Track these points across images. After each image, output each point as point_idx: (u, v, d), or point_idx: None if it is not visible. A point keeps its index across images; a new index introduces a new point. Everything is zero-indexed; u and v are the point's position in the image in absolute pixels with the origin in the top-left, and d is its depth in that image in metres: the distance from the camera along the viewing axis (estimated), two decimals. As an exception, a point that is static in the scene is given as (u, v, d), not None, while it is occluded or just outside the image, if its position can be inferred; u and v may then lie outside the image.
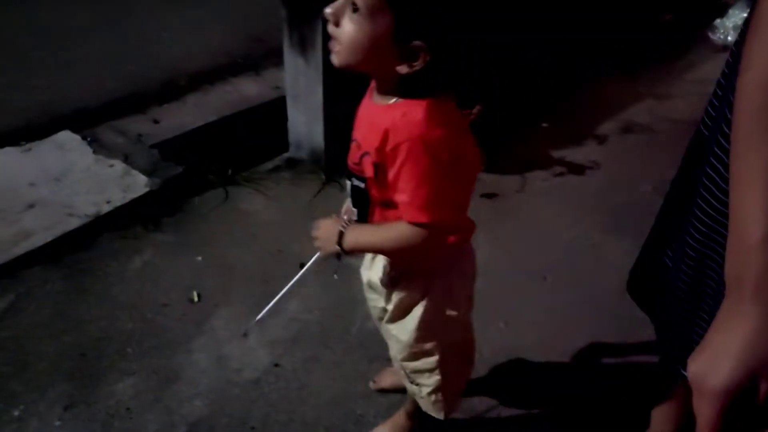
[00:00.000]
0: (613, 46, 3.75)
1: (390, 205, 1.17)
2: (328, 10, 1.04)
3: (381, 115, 1.09)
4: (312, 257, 1.39)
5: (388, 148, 1.06)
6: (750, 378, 0.68)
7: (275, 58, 3.28)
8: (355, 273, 1.49)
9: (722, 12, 4.01)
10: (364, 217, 1.25)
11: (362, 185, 1.20)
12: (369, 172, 1.13)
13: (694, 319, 1.04)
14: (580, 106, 3.40)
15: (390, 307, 1.36)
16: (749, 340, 0.68)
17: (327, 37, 1.09)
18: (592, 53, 3.63)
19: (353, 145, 1.19)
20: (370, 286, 1.42)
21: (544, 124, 3.20)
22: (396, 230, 1.15)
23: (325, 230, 1.26)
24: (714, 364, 0.71)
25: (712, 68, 3.68)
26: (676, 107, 3.38)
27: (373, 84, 1.16)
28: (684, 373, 1.12)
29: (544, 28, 3.13)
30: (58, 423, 1.73)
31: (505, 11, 2.28)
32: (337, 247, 1.22)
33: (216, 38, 3.67)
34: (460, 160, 1.10)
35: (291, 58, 2.63)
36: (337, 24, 1.04)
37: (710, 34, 4.01)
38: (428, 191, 1.07)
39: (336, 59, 1.07)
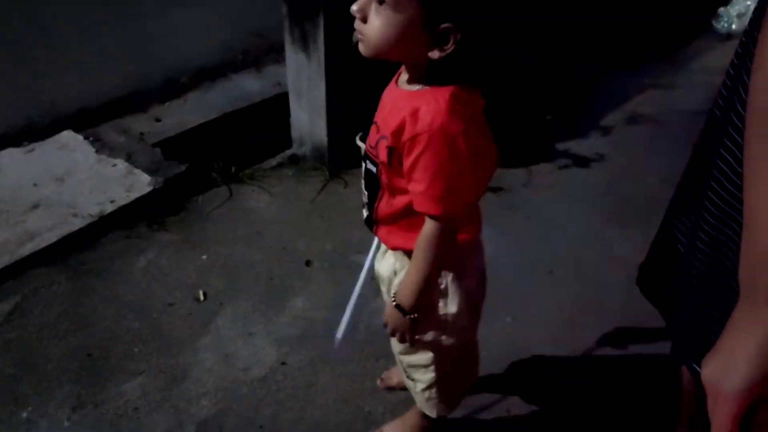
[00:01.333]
0: (616, 36, 3.72)
1: (396, 191, 1.18)
2: (354, 8, 1.03)
3: (403, 101, 1.09)
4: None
5: (407, 137, 1.05)
6: (765, 383, 0.67)
7: (276, 54, 3.27)
8: (362, 270, 1.48)
9: (726, 0, 3.97)
10: (373, 201, 1.25)
11: (374, 169, 1.19)
12: (383, 156, 1.13)
13: (706, 309, 1.03)
14: (584, 97, 3.37)
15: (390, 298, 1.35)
16: (764, 345, 0.68)
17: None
18: (594, 44, 3.60)
19: (373, 127, 1.18)
20: (378, 277, 1.42)
21: (548, 117, 3.18)
22: (420, 246, 1.15)
23: (389, 316, 1.26)
24: (728, 368, 0.70)
25: (716, 57, 3.67)
26: (682, 97, 3.35)
27: (401, 69, 1.15)
28: (697, 368, 1.11)
29: (544, 17, 3.11)
30: (67, 424, 1.73)
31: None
32: (408, 317, 1.23)
33: (216, 35, 3.65)
34: (477, 155, 1.09)
35: (292, 54, 2.62)
36: (364, 20, 1.03)
37: (714, 23, 3.97)
38: (444, 183, 1.06)
39: (364, 49, 1.06)
